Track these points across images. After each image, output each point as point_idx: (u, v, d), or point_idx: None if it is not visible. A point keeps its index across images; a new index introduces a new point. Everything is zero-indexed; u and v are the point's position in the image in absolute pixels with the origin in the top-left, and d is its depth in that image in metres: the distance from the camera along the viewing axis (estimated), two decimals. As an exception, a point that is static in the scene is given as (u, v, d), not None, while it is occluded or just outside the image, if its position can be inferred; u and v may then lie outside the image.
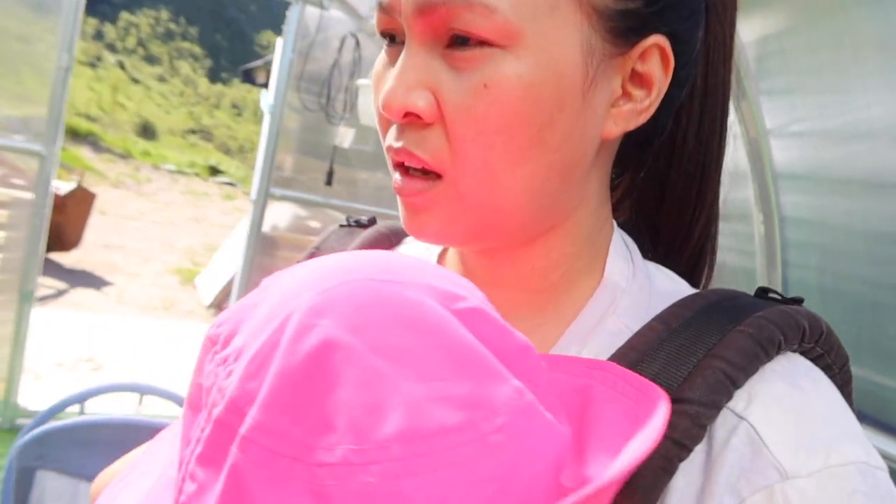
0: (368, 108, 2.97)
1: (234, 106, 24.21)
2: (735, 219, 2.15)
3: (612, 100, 0.43)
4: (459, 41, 0.40)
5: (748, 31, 1.87)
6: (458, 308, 0.32)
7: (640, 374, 0.40)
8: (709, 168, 0.51)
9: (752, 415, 0.39)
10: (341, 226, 0.62)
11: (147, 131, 18.08)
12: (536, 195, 0.42)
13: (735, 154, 2.02)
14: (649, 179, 0.52)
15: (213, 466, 0.30)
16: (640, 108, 0.44)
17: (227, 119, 23.12)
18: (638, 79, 0.44)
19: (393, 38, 0.44)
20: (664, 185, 0.52)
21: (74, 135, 13.66)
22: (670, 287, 0.48)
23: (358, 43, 3.40)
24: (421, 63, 0.41)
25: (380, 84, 0.44)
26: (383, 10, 0.43)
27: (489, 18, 0.38)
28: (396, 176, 0.44)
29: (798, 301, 0.45)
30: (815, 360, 0.43)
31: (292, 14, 3.36)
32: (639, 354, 0.41)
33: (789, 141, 1.93)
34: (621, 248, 0.49)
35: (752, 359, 0.40)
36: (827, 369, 0.44)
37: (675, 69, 0.44)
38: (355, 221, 0.61)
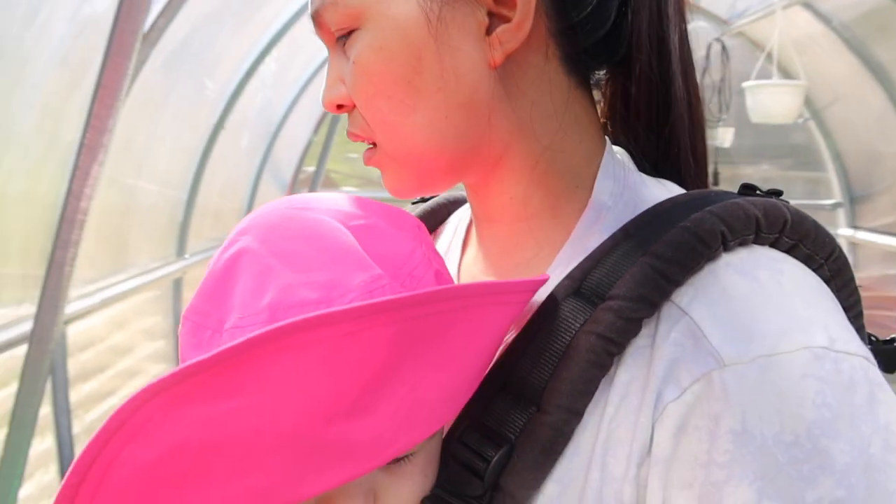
0: (758, 107, 3.08)
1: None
2: None
3: (480, 30, 0.44)
4: (340, 36, 0.46)
5: None
6: (353, 224, 0.42)
7: (587, 280, 0.42)
8: (671, 73, 0.49)
9: (694, 309, 0.39)
10: (413, 203, 0.66)
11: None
12: (447, 133, 0.46)
13: None
14: (614, 95, 0.52)
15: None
16: (514, 25, 0.44)
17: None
18: (503, 1, 0.44)
19: None
20: (626, 101, 0.50)
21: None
22: (659, 196, 0.46)
23: (724, 46, 3.56)
24: (334, 63, 0.48)
25: None
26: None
27: (337, 10, 0.45)
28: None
29: (775, 193, 0.45)
30: (792, 252, 0.43)
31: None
32: (592, 262, 0.43)
33: None
34: (611, 167, 0.49)
35: (688, 251, 0.40)
36: (809, 260, 0.43)
37: None
38: (422, 199, 0.65)
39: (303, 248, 0.39)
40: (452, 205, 0.64)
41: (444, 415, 0.39)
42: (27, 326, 1.65)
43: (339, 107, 0.48)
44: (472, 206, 0.54)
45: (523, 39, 0.45)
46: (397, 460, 0.40)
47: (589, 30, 0.47)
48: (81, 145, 1.44)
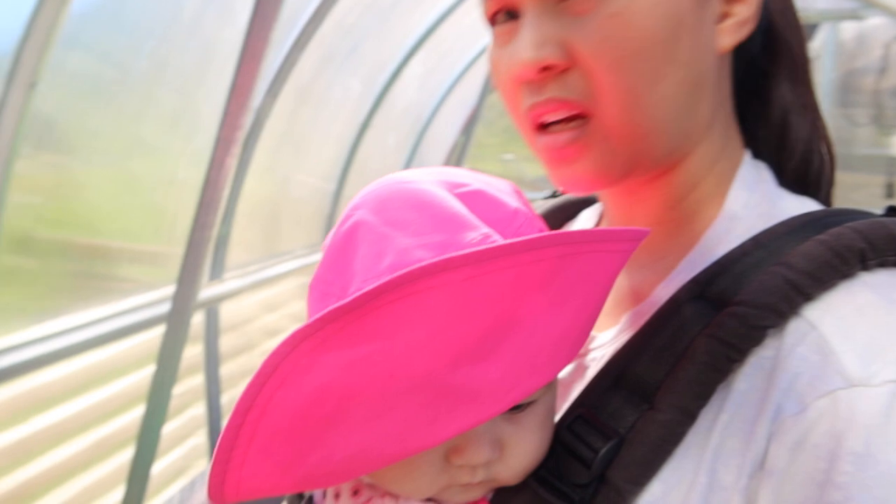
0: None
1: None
2: None
3: (716, 17, 0.45)
4: None
5: None
6: (460, 192, 0.43)
7: (711, 287, 0.42)
8: (800, 69, 0.50)
9: (825, 324, 0.38)
10: (544, 198, 0.66)
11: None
12: (679, 112, 0.44)
13: None
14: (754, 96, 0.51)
15: None
16: (741, 20, 0.45)
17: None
18: None
19: (510, 15, 0.46)
20: (769, 100, 0.50)
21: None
22: (796, 211, 0.45)
23: (904, 45, 3.21)
24: (544, 22, 0.44)
25: (500, 64, 0.47)
26: None
27: None
28: (539, 139, 0.46)
29: None
30: None
31: (826, 32, 3.25)
32: (719, 268, 0.42)
33: None
34: (748, 177, 0.48)
35: (823, 265, 0.39)
36: None
37: None
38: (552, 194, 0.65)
39: (414, 216, 0.41)
40: (584, 203, 0.62)
41: (561, 360, 0.40)
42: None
43: (545, 69, 0.44)
44: (611, 209, 0.53)
45: (747, 34, 0.46)
46: (520, 409, 0.42)
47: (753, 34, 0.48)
48: (218, 139, 1.59)
